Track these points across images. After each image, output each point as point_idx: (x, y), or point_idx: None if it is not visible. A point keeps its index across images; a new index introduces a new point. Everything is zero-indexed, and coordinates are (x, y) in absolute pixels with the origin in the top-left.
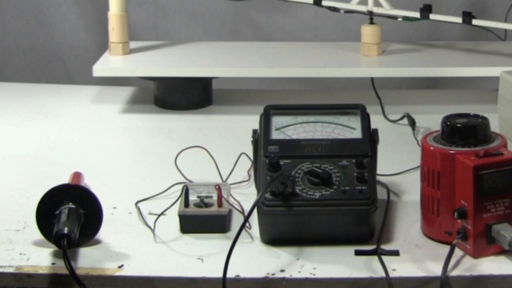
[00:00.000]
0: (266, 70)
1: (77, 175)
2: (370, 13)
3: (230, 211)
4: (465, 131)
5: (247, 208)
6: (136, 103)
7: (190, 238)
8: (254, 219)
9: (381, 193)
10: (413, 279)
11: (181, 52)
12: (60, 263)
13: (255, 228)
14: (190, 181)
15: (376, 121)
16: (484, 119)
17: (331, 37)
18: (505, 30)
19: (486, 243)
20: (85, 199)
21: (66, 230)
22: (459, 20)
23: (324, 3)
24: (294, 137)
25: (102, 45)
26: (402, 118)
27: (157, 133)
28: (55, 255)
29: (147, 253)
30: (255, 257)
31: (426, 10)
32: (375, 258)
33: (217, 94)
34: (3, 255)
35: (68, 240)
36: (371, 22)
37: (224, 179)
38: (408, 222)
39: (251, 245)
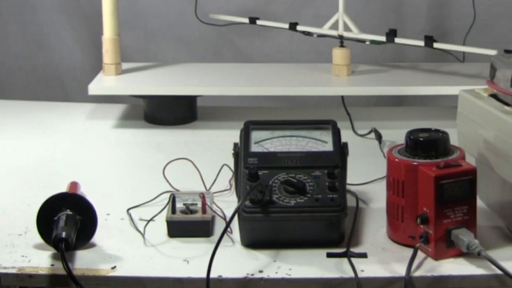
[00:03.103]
0: (246, 89)
1: (73, 185)
2: (341, 37)
3: (213, 217)
4: (427, 144)
5: (228, 214)
6: (128, 119)
7: (176, 242)
8: (235, 224)
9: (350, 201)
10: (380, 279)
11: (168, 72)
12: (59, 265)
13: (236, 233)
14: (177, 190)
15: (346, 135)
16: (444, 133)
17: (305, 59)
18: (463, 52)
19: (446, 246)
20: (81, 206)
21: (64, 234)
22: (421, 43)
23: (298, 28)
24: (272, 150)
25: (97, 66)
26: (369, 132)
27: (146, 146)
28: (54, 257)
29: (137, 255)
30: (235, 259)
31: (391, 34)
32: (345, 260)
33: (202, 111)
34: (6, 257)
35: (66, 244)
36: (342, 45)
37: (207, 188)
38: (375, 227)
39: (232, 248)
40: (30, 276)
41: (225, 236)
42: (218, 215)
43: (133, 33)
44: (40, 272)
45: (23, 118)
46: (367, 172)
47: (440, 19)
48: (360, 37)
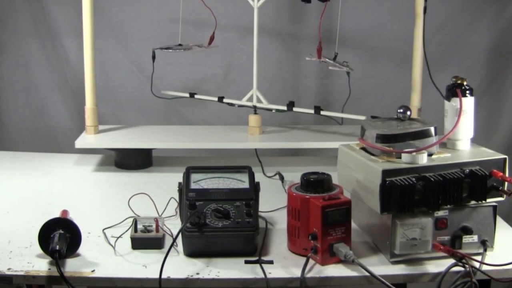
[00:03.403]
0: (187, 144)
1: (64, 212)
2: (255, 107)
3: (164, 235)
4: (316, 183)
5: (175, 233)
6: (103, 165)
7: (138, 253)
8: (179, 240)
9: (261, 223)
10: (282, 279)
11: (132, 132)
12: (54, 269)
13: (180, 246)
14: (138, 216)
15: (258, 177)
16: (328, 175)
17: (230, 122)
18: (342, 118)
19: (329, 255)
20: (70, 227)
21: (57, 247)
22: (312, 111)
23: (225, 100)
24: (206, 187)
25: (81, 128)
26: (275, 175)
27: (116, 184)
28: (51, 263)
29: (110, 262)
30: (179, 265)
31: (290, 105)
32: (258, 265)
33: (156, 159)
34: (17, 263)
35: (59, 254)
36: (255, 113)
37: (160, 214)
38: (279, 242)
39: (177, 257)
40: (33, 277)
41: (172, 248)
42: (167, 233)
43: (107, 104)
44: (41, 274)
45: (29, 165)
46: (273, 203)
47: (325, 94)
48: (268, 107)
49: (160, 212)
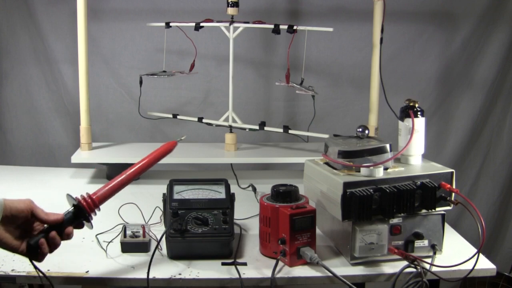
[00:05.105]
0: (171, 158)
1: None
2: (230, 126)
3: (150, 240)
4: (284, 194)
5: (159, 237)
6: (96, 178)
7: (127, 255)
8: (163, 244)
9: (237, 229)
10: (255, 279)
11: (121, 148)
12: (53, 270)
13: (164, 250)
14: (127, 223)
15: (233, 188)
16: (295, 186)
17: (208, 140)
18: (308, 136)
19: (296, 258)
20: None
21: (32, 242)
22: (281, 130)
23: (204, 120)
24: (187, 197)
25: (76, 145)
26: (248, 186)
27: None
28: (49, 266)
29: (102, 264)
30: (164, 266)
31: (262, 124)
32: (233, 267)
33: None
34: (19, 265)
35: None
36: (231, 131)
37: (146, 221)
38: (252, 246)
39: (162, 259)
40: (34, 277)
41: (157, 251)
42: (153, 238)
43: (100, 123)
44: (40, 274)
45: (31, 177)
46: (247, 211)
47: (292, 115)
48: (242, 126)
49: (146, 219)
